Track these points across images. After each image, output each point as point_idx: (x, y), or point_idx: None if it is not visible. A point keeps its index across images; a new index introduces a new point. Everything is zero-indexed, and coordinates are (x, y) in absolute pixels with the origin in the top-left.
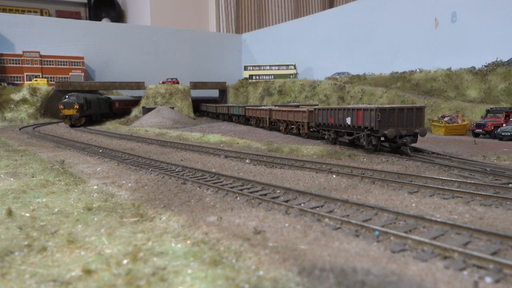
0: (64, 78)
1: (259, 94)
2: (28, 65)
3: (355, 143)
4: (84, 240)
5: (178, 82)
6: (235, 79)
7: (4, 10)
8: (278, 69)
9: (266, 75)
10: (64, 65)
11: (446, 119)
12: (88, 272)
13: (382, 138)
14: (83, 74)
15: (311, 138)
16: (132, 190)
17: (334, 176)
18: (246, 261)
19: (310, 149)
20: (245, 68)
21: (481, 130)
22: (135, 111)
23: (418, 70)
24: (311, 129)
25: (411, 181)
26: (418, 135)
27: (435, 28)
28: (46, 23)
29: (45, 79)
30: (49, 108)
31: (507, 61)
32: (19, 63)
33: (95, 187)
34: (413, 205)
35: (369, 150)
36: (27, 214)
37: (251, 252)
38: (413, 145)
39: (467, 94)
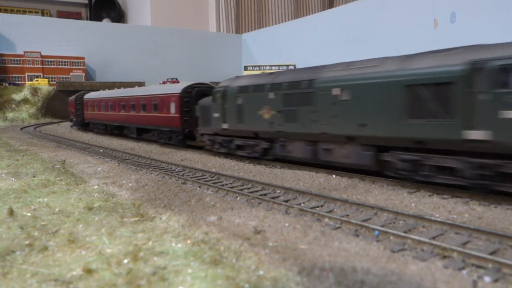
0: (65, 78)
1: None
2: (29, 65)
3: None
4: (85, 239)
5: (178, 82)
6: None
7: (5, 11)
8: (278, 69)
9: None
10: (65, 65)
11: None
12: (88, 271)
13: None
14: (83, 74)
15: None
16: (133, 190)
17: (334, 176)
18: (246, 260)
19: None
20: (245, 68)
21: None
22: None
23: None
24: None
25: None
26: None
27: (435, 28)
28: (47, 23)
29: (46, 79)
30: (50, 108)
31: None
32: (20, 63)
33: (95, 187)
34: (413, 204)
35: None
36: (28, 214)
37: (251, 252)
38: None
39: None
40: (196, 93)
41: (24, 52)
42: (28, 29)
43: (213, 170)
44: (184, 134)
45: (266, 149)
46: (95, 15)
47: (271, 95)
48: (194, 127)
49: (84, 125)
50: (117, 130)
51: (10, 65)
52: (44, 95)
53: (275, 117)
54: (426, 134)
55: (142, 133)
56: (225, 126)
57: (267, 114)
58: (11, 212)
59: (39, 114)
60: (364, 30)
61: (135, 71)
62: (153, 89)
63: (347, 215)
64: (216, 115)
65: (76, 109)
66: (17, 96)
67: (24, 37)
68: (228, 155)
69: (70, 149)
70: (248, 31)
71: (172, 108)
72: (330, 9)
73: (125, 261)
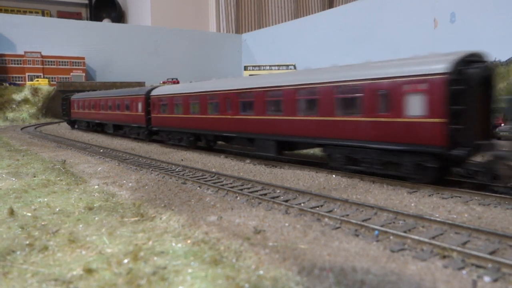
0: (65, 78)
1: None
2: (29, 66)
3: None
4: (85, 239)
5: (178, 82)
6: None
7: (5, 11)
8: (278, 69)
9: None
10: (65, 65)
11: None
12: (89, 271)
13: None
14: (84, 74)
15: None
16: (133, 190)
17: (333, 176)
18: (246, 260)
19: None
20: (245, 68)
21: None
22: None
23: None
24: None
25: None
26: None
27: (434, 28)
28: (48, 23)
29: (47, 79)
30: (50, 108)
31: (506, 61)
32: (20, 64)
33: (96, 186)
34: (412, 204)
35: None
36: (29, 214)
37: (251, 252)
38: None
39: None
40: (482, 72)
41: (25, 52)
42: (28, 29)
43: (213, 170)
44: (447, 158)
45: None
46: (95, 15)
47: None
48: (472, 144)
49: (150, 135)
50: (200, 141)
51: (11, 65)
52: (45, 95)
53: None
54: None
55: (284, 149)
56: None
57: None
58: (11, 212)
59: (39, 114)
60: (364, 30)
61: (135, 71)
62: (323, 73)
63: (347, 215)
64: None
65: (146, 110)
66: (18, 96)
67: (25, 37)
68: None
69: (70, 149)
70: (248, 31)
71: (416, 105)
72: (330, 9)
73: (125, 261)
